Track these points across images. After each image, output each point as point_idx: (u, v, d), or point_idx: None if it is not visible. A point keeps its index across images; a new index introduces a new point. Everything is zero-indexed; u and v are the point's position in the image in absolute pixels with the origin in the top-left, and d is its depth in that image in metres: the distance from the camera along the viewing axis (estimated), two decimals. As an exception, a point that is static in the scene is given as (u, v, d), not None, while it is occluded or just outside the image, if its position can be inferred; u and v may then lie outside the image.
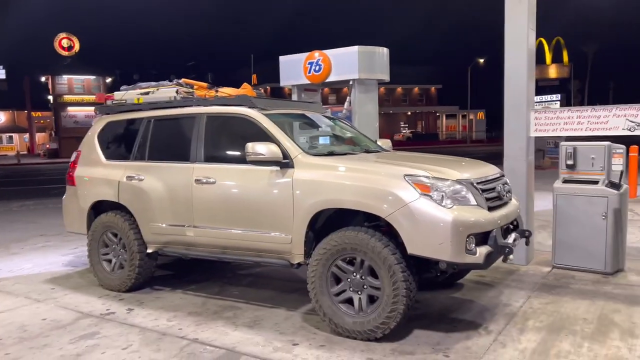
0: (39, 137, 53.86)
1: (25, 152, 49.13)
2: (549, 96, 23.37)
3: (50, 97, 44.30)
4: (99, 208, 5.41)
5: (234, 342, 3.83)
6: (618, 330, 3.89)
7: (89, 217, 5.43)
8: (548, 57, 44.36)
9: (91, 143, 5.57)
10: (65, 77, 43.15)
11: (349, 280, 3.87)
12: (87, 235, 5.45)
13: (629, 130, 5.18)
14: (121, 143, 5.41)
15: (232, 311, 4.53)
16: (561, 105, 21.77)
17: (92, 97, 43.54)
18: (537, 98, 23.03)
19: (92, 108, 42.30)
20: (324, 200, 3.94)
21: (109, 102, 5.58)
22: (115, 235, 5.20)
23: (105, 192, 5.24)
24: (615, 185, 5.37)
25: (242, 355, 3.62)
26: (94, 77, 44.27)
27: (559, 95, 21.72)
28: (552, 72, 44.58)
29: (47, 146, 43.11)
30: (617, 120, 5.23)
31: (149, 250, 5.02)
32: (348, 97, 6.64)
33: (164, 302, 4.83)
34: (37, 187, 17.86)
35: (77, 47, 42.77)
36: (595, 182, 5.37)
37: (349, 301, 3.89)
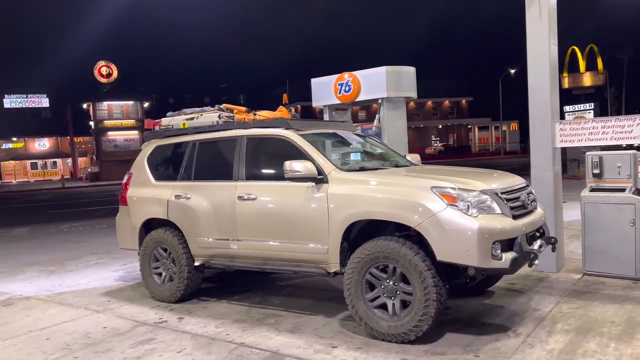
0: (81, 161, 56.09)
1: (68, 177, 51.21)
2: (582, 105, 23.10)
3: (91, 123, 46.27)
4: (149, 225, 5.86)
5: (277, 346, 4.15)
6: (645, 331, 4.03)
7: (141, 234, 5.88)
8: (582, 65, 43.66)
9: (141, 166, 6.06)
10: (105, 103, 45.09)
11: (382, 286, 4.15)
12: (138, 251, 5.89)
13: (656, 138, 5.31)
14: (169, 165, 5.87)
15: (274, 318, 4.86)
16: (595, 114, 21.48)
17: (131, 122, 45.26)
18: (569, 107, 22.77)
19: (131, 132, 43.76)
20: (357, 213, 4.25)
21: (157, 128, 6.06)
22: (165, 250, 5.62)
23: (155, 210, 5.69)
24: (642, 193, 5.49)
25: (286, 357, 3.93)
26: (132, 102, 46.04)
27: (592, 104, 21.45)
28: (587, 80, 43.76)
29: (89, 170, 44.89)
30: (642, 129, 5.37)
31: (196, 263, 5.41)
32: (377, 115, 6.97)
33: (211, 311, 5.20)
34: (82, 209, 18.75)
35: (115, 74, 44.71)
36: (622, 190, 5.50)
37: (383, 306, 4.16)
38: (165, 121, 6.02)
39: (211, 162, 5.54)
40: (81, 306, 5.64)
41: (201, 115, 5.74)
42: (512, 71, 51.47)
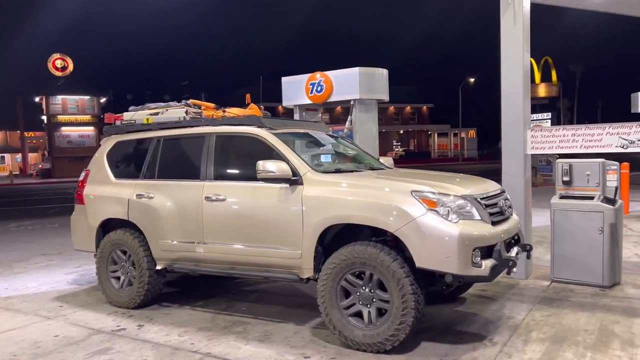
0: (32, 157, 53.69)
1: (17, 173, 48.86)
2: (540, 114, 23.76)
3: (44, 117, 44.33)
4: (107, 226, 5.50)
5: (246, 356, 3.92)
6: (618, 340, 4.02)
7: (98, 234, 5.51)
8: (537, 76, 45.15)
9: (100, 162, 5.69)
10: (59, 97, 43.30)
11: (358, 293, 3.98)
12: (95, 253, 5.52)
13: (622, 147, 5.37)
14: (131, 162, 5.53)
15: (242, 326, 4.61)
16: (552, 124, 22.11)
17: (86, 117, 43.64)
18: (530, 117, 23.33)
19: (87, 128, 42.13)
20: (333, 216, 4.07)
21: (118, 123, 5.71)
22: (124, 252, 5.28)
23: (114, 210, 5.34)
24: (610, 201, 5.55)
25: (256, 368, 3.70)
26: (88, 97, 44.44)
27: (549, 114, 22.08)
28: (542, 91, 45.28)
29: (40, 166, 42.99)
30: (610, 138, 5.43)
31: (158, 267, 5.10)
32: (349, 117, 6.83)
33: (173, 318, 4.90)
34: (32, 207, 17.82)
35: (70, 67, 43.01)
36: (591, 198, 5.55)
37: (359, 314, 3.99)
38: (127, 116, 5.68)
39: (177, 160, 5.24)
40: (30, 312, 5.22)
41: (167, 110, 5.43)
42: (472, 80, 52.74)
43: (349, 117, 6.84)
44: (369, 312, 3.94)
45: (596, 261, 5.44)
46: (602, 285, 5.41)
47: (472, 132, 62.80)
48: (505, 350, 3.88)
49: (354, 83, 6.64)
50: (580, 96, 56.49)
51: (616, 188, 5.81)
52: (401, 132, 62.92)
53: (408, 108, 63.53)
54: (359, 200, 4.02)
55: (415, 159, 49.53)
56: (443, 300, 5.04)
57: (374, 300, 3.92)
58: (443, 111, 62.78)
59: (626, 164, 10.87)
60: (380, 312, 3.92)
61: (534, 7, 6.06)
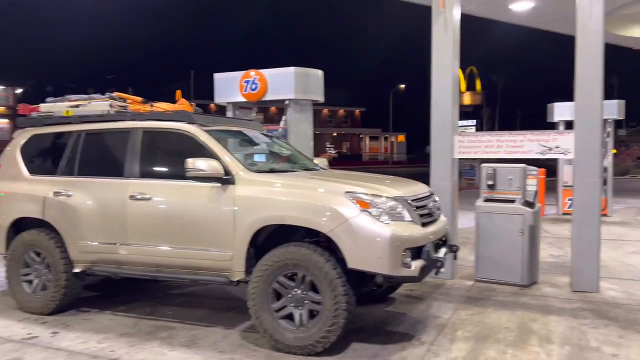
0: None
1: None
2: (465, 121, 24.84)
3: (-49, 107, 40.76)
4: (20, 225, 5.07)
5: (171, 363, 3.73)
6: (536, 337, 4.23)
7: (9, 234, 5.08)
8: (463, 85, 47.23)
9: (12, 157, 5.24)
10: (-30, 86, 40.01)
11: (290, 295, 3.91)
12: (5, 254, 5.08)
13: (541, 154, 5.69)
14: (47, 157, 5.14)
15: (167, 331, 4.41)
16: (476, 131, 23.21)
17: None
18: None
19: (0, 120, 39.09)
20: (267, 217, 3.98)
21: (34, 114, 5.29)
22: (39, 254, 4.90)
23: (28, 208, 4.94)
24: (530, 204, 5.86)
25: (182, 375, 3.54)
26: (3, 87, 41.38)
27: (474, 121, 23.16)
28: (467, 99, 47.45)
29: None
30: (531, 145, 5.73)
31: (76, 270, 4.77)
32: (284, 116, 6.75)
33: (93, 324, 4.60)
34: None
35: (-17, 54, 39.82)
36: (513, 201, 5.82)
37: (290, 317, 3.93)
38: (44, 107, 5.28)
39: (99, 156, 4.94)
40: None
41: (89, 103, 5.09)
42: (402, 86, 54.39)
43: (284, 117, 6.76)
44: (301, 314, 3.89)
45: (516, 261, 5.71)
46: (521, 284, 5.69)
47: (402, 137, 64.68)
48: (432, 350, 3.96)
49: (289, 82, 6.57)
50: (501, 105, 59.73)
51: (535, 192, 6.14)
52: (334, 134, 63.61)
53: (341, 111, 64.39)
54: (292, 201, 3.96)
55: (347, 161, 50.21)
56: (373, 300, 5.09)
57: (306, 302, 3.87)
58: (375, 115, 64.18)
59: (542, 170, 11.61)
60: (312, 314, 3.87)
61: (463, 17, 6.29)
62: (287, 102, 6.70)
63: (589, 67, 5.42)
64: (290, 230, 4.05)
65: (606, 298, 5.27)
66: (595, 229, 5.40)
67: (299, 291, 3.88)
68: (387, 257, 3.67)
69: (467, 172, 19.41)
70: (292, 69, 6.61)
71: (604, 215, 10.56)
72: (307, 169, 5.02)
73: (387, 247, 3.67)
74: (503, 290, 5.60)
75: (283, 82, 6.59)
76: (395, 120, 56.31)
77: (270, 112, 29.70)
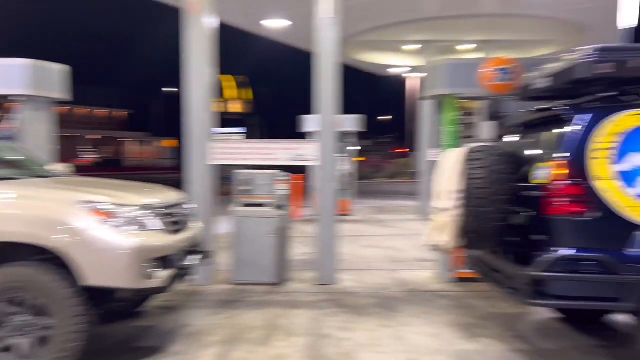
0: None
1: None
2: (233, 129, 25.44)
3: None
4: None
5: None
6: (283, 332, 4.52)
7: None
8: (232, 93, 48.67)
9: None
10: None
11: (12, 324, 3.37)
12: None
13: (293, 160, 6.15)
14: None
15: None
16: (246, 138, 23.98)
17: None
18: (223, 130, 24.74)
19: None
20: (-22, 233, 3.36)
21: None
22: None
23: None
24: (280, 207, 6.26)
25: None
26: None
27: (244, 129, 23.93)
28: (235, 107, 49.01)
29: None
30: (282, 153, 6.15)
31: None
32: (14, 115, 5.84)
33: None
34: None
35: None
36: (265, 205, 6.15)
37: (9, 349, 3.38)
38: None
39: None
40: None
41: None
42: (170, 89, 53.02)
43: (14, 115, 5.85)
44: (25, 343, 3.38)
45: (268, 262, 6.04)
46: (274, 283, 6.04)
47: (174, 142, 62.98)
48: (182, 359, 3.89)
49: (20, 76, 5.72)
50: (272, 114, 63.18)
51: (286, 196, 6.59)
52: (98, 137, 58.37)
53: (104, 112, 59.53)
54: (15, 214, 3.44)
55: (111, 166, 46.62)
56: (121, 317, 4.76)
57: (32, 328, 3.39)
58: (142, 119, 61.04)
59: (301, 175, 12.60)
60: (42, 341, 3.41)
61: (225, 29, 6.40)
62: (18, 99, 5.82)
63: (327, 84, 6.08)
64: (16, 247, 3.50)
65: (342, 288, 5.96)
66: (333, 227, 6.08)
67: (24, 317, 3.37)
68: (127, 270, 3.47)
69: (229, 178, 19.86)
70: (26, 60, 5.80)
71: (348, 214, 12.06)
72: (40, 176, 4.43)
73: (128, 260, 3.47)
74: (257, 290, 5.85)
75: (12, 75, 5.72)
76: (165, 125, 54.53)
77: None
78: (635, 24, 12.51)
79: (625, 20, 12.09)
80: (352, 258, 7.60)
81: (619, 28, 12.37)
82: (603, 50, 3.49)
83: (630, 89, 3.59)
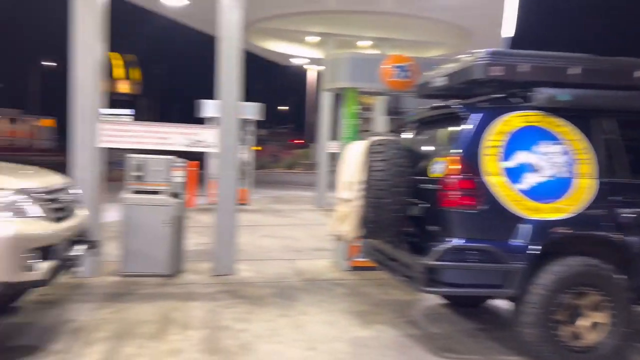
0: None
1: None
2: (122, 110, 23.91)
3: None
4: None
5: None
6: (177, 325, 4.32)
7: None
8: (120, 72, 45.73)
9: None
10: None
11: None
12: None
13: (189, 146, 5.89)
14: None
15: None
16: (135, 120, 22.61)
17: None
18: (110, 111, 23.13)
19: None
20: None
21: None
22: None
23: None
24: (175, 195, 5.98)
25: None
26: None
27: (133, 110, 22.52)
28: (124, 87, 46.11)
29: None
30: (179, 137, 5.85)
31: None
32: None
33: None
34: None
35: None
36: (159, 193, 5.83)
37: None
38: None
39: None
40: None
41: None
42: (49, 63, 48.49)
43: None
44: None
45: (162, 252, 5.74)
46: (167, 274, 5.76)
47: (51, 121, 57.66)
48: (64, 358, 3.56)
49: None
50: (164, 97, 60.16)
51: (182, 183, 6.31)
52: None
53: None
54: None
55: (-25, 146, 41.58)
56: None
57: None
58: (14, 94, 55.07)
59: (196, 162, 12.17)
60: None
61: (118, 1, 5.91)
62: None
63: (228, 69, 5.89)
64: None
65: (240, 279, 5.86)
66: (233, 216, 5.94)
67: None
68: (2, 262, 3.09)
69: (121, 163, 18.73)
70: None
71: (245, 204, 11.89)
72: None
73: (2, 250, 3.09)
74: (149, 282, 5.55)
75: None
76: (43, 102, 49.74)
77: None
78: (513, 34, 13.77)
79: (506, 30, 13.24)
80: (250, 248, 7.51)
81: (502, 36, 13.53)
82: (495, 53, 3.76)
83: (518, 92, 3.90)
